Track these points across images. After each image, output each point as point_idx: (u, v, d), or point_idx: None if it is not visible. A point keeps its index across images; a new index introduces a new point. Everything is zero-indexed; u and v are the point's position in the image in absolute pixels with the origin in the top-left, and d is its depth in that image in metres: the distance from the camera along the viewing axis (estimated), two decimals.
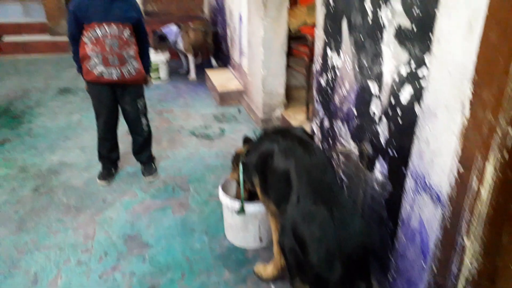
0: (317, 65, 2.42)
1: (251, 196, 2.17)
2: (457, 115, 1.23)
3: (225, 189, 2.40)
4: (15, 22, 5.95)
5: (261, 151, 1.89)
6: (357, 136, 2.04)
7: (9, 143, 3.32)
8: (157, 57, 4.89)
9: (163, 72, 5.02)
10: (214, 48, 5.50)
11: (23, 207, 2.50)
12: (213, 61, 5.60)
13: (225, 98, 4.29)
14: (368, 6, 1.79)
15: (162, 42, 4.90)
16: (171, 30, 4.96)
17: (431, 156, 1.36)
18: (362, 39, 1.87)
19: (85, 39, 2.46)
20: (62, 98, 4.35)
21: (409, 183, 1.53)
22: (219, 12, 5.09)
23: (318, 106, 2.47)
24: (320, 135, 2.49)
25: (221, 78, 4.62)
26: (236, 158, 2.17)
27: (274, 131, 1.98)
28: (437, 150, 1.33)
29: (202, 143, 3.44)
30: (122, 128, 2.92)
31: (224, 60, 5.19)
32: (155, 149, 3.32)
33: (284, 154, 1.71)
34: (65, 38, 5.95)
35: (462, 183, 1.24)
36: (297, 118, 3.62)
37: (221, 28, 5.10)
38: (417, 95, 1.52)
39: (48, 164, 3.01)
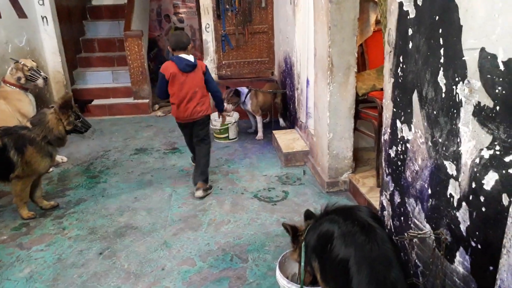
0: (385, 136, 2.26)
1: (314, 280, 1.99)
2: None
3: (284, 266, 2.25)
4: (104, 87, 6.63)
5: (320, 232, 1.74)
6: (432, 219, 1.81)
7: (84, 203, 3.53)
8: (227, 118, 5.04)
9: (232, 132, 5.14)
10: (283, 109, 5.55)
11: (86, 271, 2.56)
12: (281, 121, 5.63)
13: (290, 158, 4.22)
14: (441, 80, 1.63)
15: (236, 97, 5.04)
16: (243, 90, 5.13)
17: None
18: (435, 114, 1.70)
19: None
20: (137, 157, 4.61)
21: None
22: (288, 75, 5.19)
23: (388, 179, 2.27)
24: (390, 211, 2.27)
25: (287, 139, 4.59)
26: (295, 236, 2.03)
27: (336, 210, 1.83)
28: None
29: (264, 207, 3.35)
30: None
31: (291, 120, 5.19)
32: (217, 212, 3.30)
33: (344, 241, 1.54)
34: (145, 101, 6.45)
35: None
36: (366, 184, 3.39)
37: (289, 90, 5.16)
38: (505, 184, 1.30)
39: (115, 227, 3.11)
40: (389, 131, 2.19)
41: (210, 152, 3.79)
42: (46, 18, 5.71)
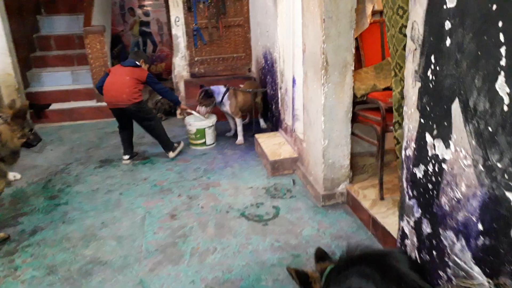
0: (408, 151, 1.87)
1: None
2: None
3: None
4: (63, 89, 5.96)
5: None
6: (486, 262, 1.43)
7: (40, 233, 2.98)
8: (203, 122, 4.55)
9: (209, 137, 4.66)
10: (263, 109, 5.13)
11: None
12: (262, 122, 5.21)
13: (277, 167, 3.80)
14: (501, 87, 1.25)
15: (208, 98, 4.57)
16: (219, 89, 4.65)
17: None
18: (492, 132, 1.31)
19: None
20: (102, 171, 4.06)
21: None
22: (268, 72, 4.75)
23: (411, 202, 1.89)
24: (416, 241, 1.89)
25: (271, 144, 4.16)
26: (305, 284, 1.61)
27: (364, 257, 1.42)
28: None
29: (254, 229, 2.92)
30: None
31: (274, 122, 4.77)
32: (200, 238, 2.85)
33: None
34: None
35: None
36: (366, 196, 3.02)
37: (271, 88, 4.73)
38: None
39: (80, 263, 2.59)
40: (414, 146, 1.80)
41: (160, 126, 4.29)
42: None
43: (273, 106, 4.71)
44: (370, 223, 2.78)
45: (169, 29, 5.88)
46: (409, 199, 1.90)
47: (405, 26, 2.29)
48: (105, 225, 3.06)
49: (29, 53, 6.28)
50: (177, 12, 5.39)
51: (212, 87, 4.64)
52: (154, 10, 8.48)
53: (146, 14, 8.84)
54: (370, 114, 2.92)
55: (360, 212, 2.94)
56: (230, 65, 5.80)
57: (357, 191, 3.10)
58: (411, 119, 1.80)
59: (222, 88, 4.68)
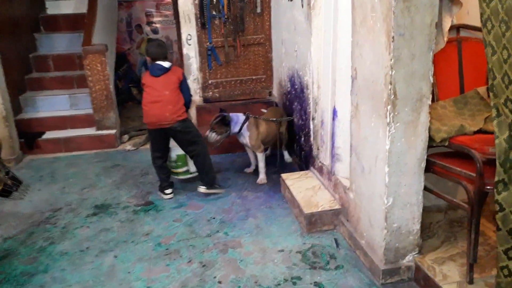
0: None
1: None
2: None
3: None
4: (60, 115, 5.26)
5: None
6: None
7: None
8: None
9: (192, 164, 3.77)
10: (288, 140, 4.36)
11: None
12: (286, 155, 4.44)
13: (314, 222, 3.00)
14: None
15: (223, 125, 3.79)
16: (238, 118, 3.89)
17: None
18: None
19: None
20: (96, 221, 3.30)
21: None
22: (296, 98, 4.01)
23: None
24: None
25: (304, 188, 3.38)
26: None
27: None
28: None
29: None
30: None
31: (303, 157, 4.00)
32: None
33: None
34: (111, 132, 5.14)
35: None
36: (446, 275, 2.21)
37: (299, 117, 3.98)
38: None
39: None
40: None
41: (208, 153, 3.62)
42: None
43: (302, 139, 3.95)
44: None
45: (180, 48, 5.19)
46: None
47: None
48: None
49: (23, 75, 5.63)
50: (188, 29, 4.70)
51: (231, 115, 3.88)
52: (164, 27, 7.93)
53: (155, 31, 8.27)
54: (455, 165, 2.13)
55: None
56: (248, 88, 5.06)
57: (431, 266, 2.28)
58: None
59: (241, 117, 3.92)
